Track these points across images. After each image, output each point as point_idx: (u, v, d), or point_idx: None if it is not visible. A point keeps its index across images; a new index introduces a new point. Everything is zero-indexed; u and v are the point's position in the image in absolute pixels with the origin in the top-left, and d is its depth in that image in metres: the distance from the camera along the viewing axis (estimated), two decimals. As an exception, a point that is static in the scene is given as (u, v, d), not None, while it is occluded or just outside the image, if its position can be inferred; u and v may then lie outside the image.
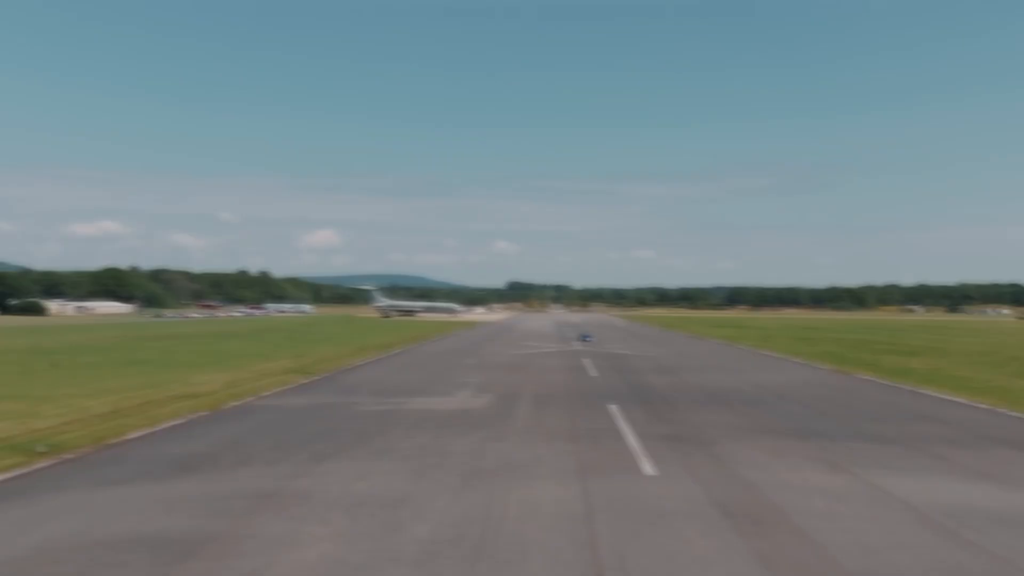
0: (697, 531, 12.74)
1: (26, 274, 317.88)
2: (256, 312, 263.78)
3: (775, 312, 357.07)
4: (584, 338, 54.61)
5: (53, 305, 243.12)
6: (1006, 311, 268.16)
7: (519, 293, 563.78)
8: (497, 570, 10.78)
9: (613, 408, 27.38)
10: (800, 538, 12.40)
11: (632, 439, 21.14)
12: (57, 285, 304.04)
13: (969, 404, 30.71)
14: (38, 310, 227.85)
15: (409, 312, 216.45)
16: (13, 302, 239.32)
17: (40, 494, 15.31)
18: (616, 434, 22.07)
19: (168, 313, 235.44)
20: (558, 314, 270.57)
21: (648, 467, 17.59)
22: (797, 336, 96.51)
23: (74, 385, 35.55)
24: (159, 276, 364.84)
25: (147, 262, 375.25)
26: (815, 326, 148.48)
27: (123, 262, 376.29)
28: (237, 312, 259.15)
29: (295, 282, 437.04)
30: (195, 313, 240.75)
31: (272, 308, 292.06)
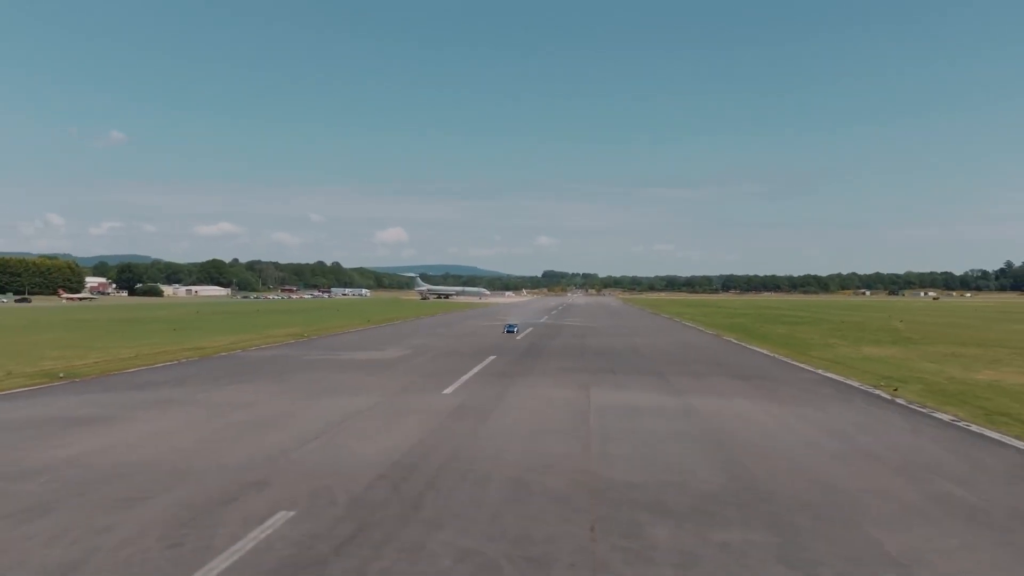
0: (417, 418, 16.23)
1: (154, 264, 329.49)
2: (323, 295, 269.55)
3: (755, 295, 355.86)
4: (508, 328, 46.92)
5: (168, 289, 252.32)
6: (932, 293, 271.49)
7: (553, 280, 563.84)
8: (261, 435, 14.42)
9: (490, 358, 30.47)
10: (477, 422, 15.82)
11: (469, 375, 24.41)
12: (176, 273, 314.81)
13: (766, 354, 33.81)
14: (156, 292, 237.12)
15: (444, 295, 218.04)
16: (138, 286, 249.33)
17: (37, 396, 19.44)
18: (463, 372, 25.22)
19: (252, 295, 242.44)
20: (572, 297, 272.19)
21: (450, 390, 21.02)
22: (732, 313, 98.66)
23: (125, 341, 39.96)
24: (253, 266, 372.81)
25: (253, 255, 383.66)
26: (764, 305, 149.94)
27: (234, 256, 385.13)
28: (308, 295, 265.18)
29: (361, 271, 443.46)
30: (273, 295, 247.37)
31: (337, 292, 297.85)
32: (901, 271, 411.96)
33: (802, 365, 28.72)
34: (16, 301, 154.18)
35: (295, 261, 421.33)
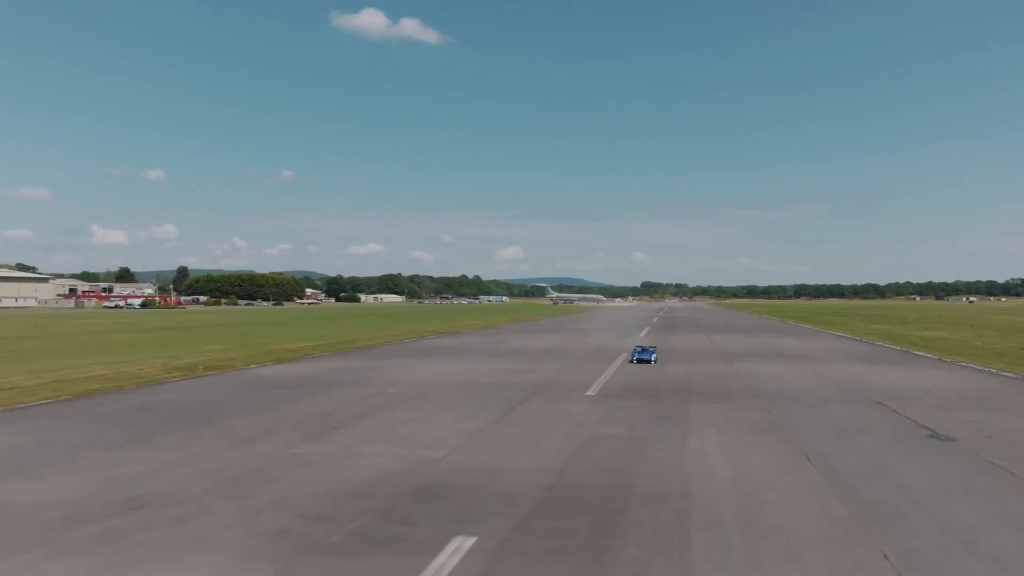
0: (638, 344, 31.67)
1: (338, 278, 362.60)
2: (474, 301, 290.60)
3: (820, 300, 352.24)
4: (638, 356, 24.07)
5: (361, 296, 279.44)
6: (973, 298, 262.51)
7: (651, 289, 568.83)
8: (523, 357, 30.16)
9: (647, 328, 45.50)
10: (666, 342, 31.08)
11: (644, 332, 39.63)
12: (359, 284, 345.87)
13: (807, 328, 47.08)
14: (355, 299, 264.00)
15: (569, 301, 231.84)
16: (341, 294, 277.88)
17: (308, 360, 35.94)
18: (640, 331, 40.45)
19: (425, 301, 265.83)
20: (670, 302, 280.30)
21: (642, 334, 36.36)
22: (797, 311, 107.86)
23: (350, 327, 57.21)
24: (414, 279, 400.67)
25: (395, 270, 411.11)
26: (825, 305, 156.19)
27: (381, 271, 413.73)
28: (464, 301, 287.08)
29: (496, 283, 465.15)
30: (438, 301, 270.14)
31: (483, 298, 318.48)
32: (951, 280, 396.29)
33: (825, 330, 42.35)
34: (272, 305, 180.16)
35: (428, 276, 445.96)
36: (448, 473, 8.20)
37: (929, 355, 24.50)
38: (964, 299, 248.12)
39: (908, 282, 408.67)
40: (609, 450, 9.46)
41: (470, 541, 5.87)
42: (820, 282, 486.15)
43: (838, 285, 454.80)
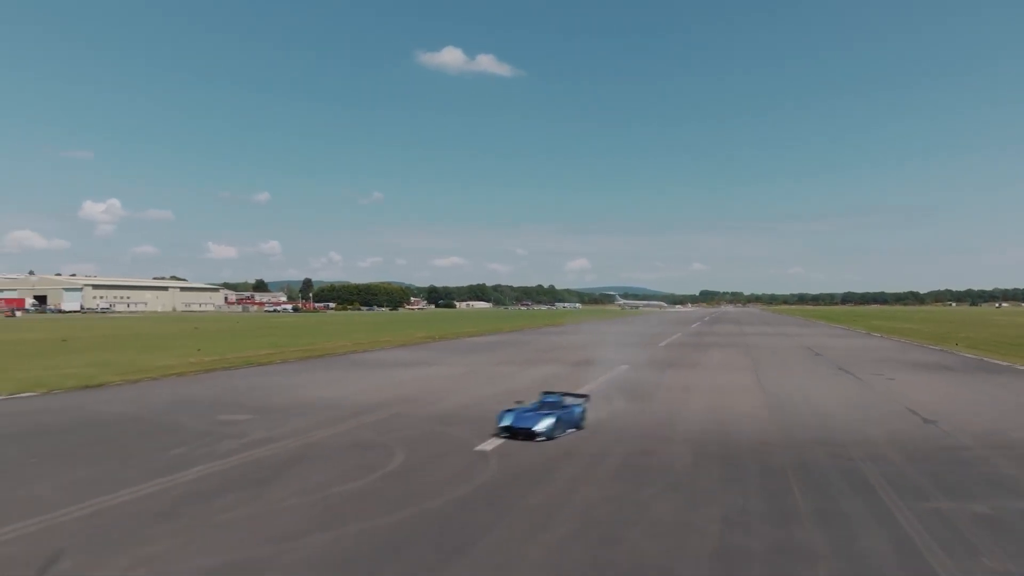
0: (691, 329, 41.68)
1: (433, 287, 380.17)
2: (551, 307, 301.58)
3: (863, 306, 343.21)
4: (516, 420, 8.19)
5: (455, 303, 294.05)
6: (1005, 304, 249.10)
7: (708, 297, 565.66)
8: (616, 335, 40.53)
9: (697, 323, 55.08)
10: (711, 328, 41.00)
11: (695, 326, 49.38)
12: (451, 293, 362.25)
13: (822, 324, 55.43)
14: (451, 305, 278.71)
15: (635, 307, 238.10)
16: (440, 301, 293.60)
17: (486, 336, 46.93)
18: (691, 324, 50.19)
19: (509, 307, 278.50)
20: (724, 308, 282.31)
21: (694, 327, 46.24)
22: (832, 312, 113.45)
23: (477, 322, 68.36)
24: (496, 288, 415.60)
25: (474, 281, 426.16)
26: (858, 310, 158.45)
27: (462, 282, 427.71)
28: (540, 307, 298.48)
29: (568, 291, 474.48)
30: (520, 307, 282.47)
31: (559, 305, 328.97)
32: (989, 287, 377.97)
33: (831, 324, 50.87)
34: (390, 310, 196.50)
35: (510, 284, 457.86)
36: (609, 357, 19.23)
37: (879, 335, 33.67)
38: (996, 305, 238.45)
39: (947, 289, 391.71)
40: (669, 358, 20.27)
41: (627, 366, 16.86)
42: (867, 290, 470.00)
43: (882, 292, 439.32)
